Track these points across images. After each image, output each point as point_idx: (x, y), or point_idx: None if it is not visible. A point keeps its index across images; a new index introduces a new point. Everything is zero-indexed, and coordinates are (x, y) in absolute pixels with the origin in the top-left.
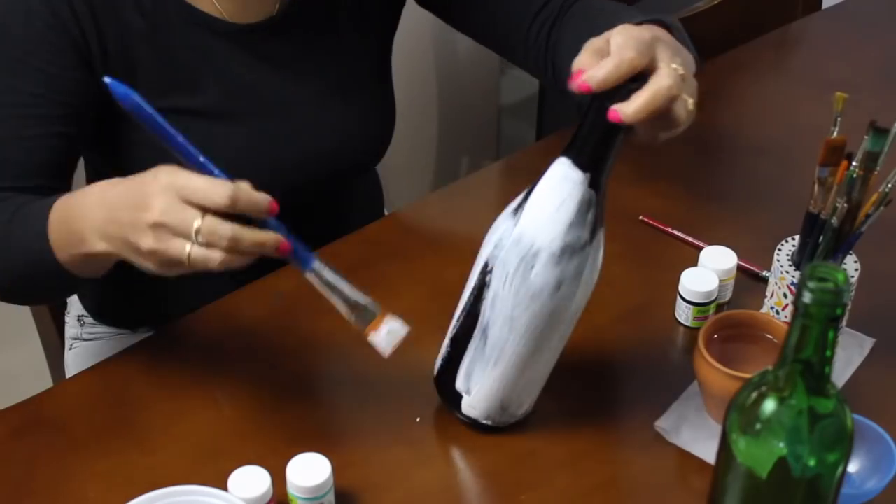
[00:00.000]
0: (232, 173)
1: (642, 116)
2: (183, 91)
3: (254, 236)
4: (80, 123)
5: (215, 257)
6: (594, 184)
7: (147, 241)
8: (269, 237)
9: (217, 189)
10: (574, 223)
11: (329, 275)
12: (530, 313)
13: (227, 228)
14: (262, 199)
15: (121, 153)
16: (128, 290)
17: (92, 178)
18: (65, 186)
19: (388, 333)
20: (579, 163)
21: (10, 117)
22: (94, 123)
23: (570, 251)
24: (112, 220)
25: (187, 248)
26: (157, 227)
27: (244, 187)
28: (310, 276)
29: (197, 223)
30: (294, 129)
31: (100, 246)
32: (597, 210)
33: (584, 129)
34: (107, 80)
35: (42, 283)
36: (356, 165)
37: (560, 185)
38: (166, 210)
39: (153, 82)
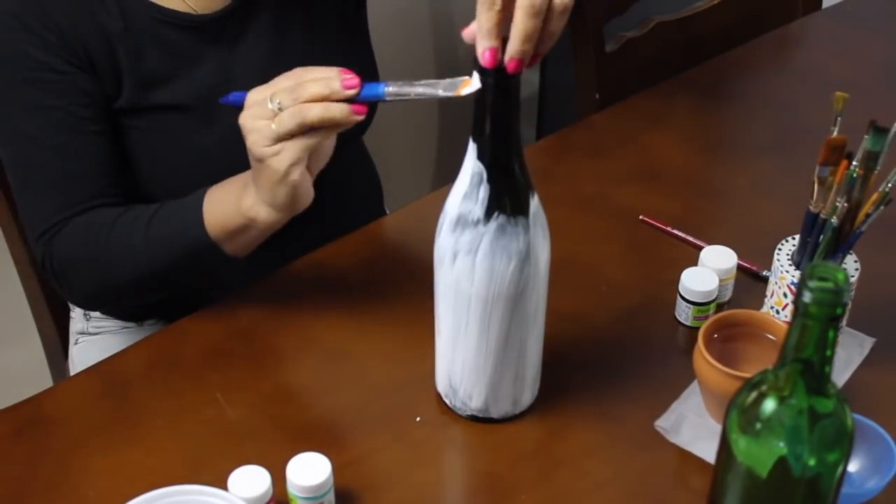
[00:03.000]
0: (215, 164)
1: (527, 45)
2: (160, 88)
3: (317, 74)
4: (108, 119)
5: (297, 115)
6: (481, 155)
7: (247, 142)
8: (334, 84)
9: (284, 75)
10: (467, 195)
11: (400, 88)
12: (441, 283)
13: (294, 86)
14: (331, 69)
15: (125, 148)
16: None
17: None
18: (124, 184)
19: (473, 84)
20: (473, 134)
21: (52, 135)
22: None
23: (463, 223)
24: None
25: (271, 105)
26: (244, 120)
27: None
28: (389, 99)
29: (270, 101)
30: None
31: (254, 202)
32: (491, 188)
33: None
34: (221, 100)
35: (193, 271)
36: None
37: (468, 157)
38: (248, 106)
39: (134, 82)
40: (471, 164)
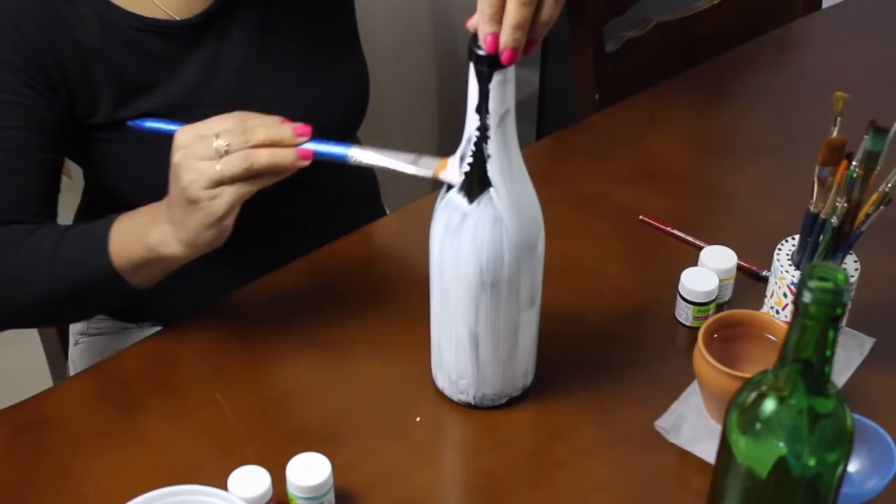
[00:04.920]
0: None
1: (518, 34)
2: (142, 97)
3: (262, 119)
4: (58, 148)
5: (246, 159)
6: (477, 141)
7: (180, 180)
8: (284, 129)
9: (225, 116)
10: (463, 174)
11: (368, 156)
12: (431, 263)
13: (242, 129)
14: (273, 117)
15: (100, 166)
16: None
17: (89, 191)
18: (54, 213)
19: (453, 170)
20: (468, 115)
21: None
22: (70, 142)
23: (448, 204)
24: (168, 203)
25: (216, 166)
26: (182, 159)
27: (253, 113)
28: (353, 163)
29: (216, 140)
30: (260, 110)
31: (168, 238)
32: (473, 165)
33: None
34: (129, 124)
35: (94, 298)
36: (333, 130)
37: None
38: (184, 145)
39: (112, 95)
40: (461, 149)
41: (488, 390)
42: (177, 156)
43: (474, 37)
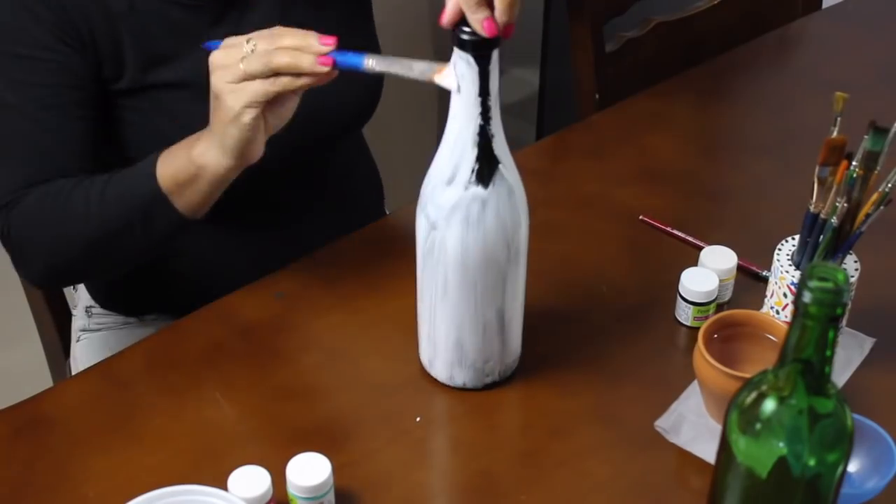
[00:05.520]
0: None
1: (514, 8)
2: (163, 67)
3: (294, 37)
4: (96, 106)
5: (266, 56)
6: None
7: (211, 77)
8: (310, 37)
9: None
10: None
11: (381, 65)
12: (418, 250)
13: (271, 34)
14: (305, 32)
15: (120, 136)
16: (135, 275)
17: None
18: (99, 168)
19: (448, 75)
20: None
21: (34, 112)
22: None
23: (466, 200)
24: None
25: (246, 48)
26: (214, 58)
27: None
28: (367, 69)
29: (246, 44)
30: None
31: (204, 145)
32: (482, 149)
33: None
34: (204, 45)
35: (143, 229)
36: (343, 126)
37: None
38: (221, 47)
39: (136, 60)
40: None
41: (509, 359)
42: (213, 55)
43: (459, 28)
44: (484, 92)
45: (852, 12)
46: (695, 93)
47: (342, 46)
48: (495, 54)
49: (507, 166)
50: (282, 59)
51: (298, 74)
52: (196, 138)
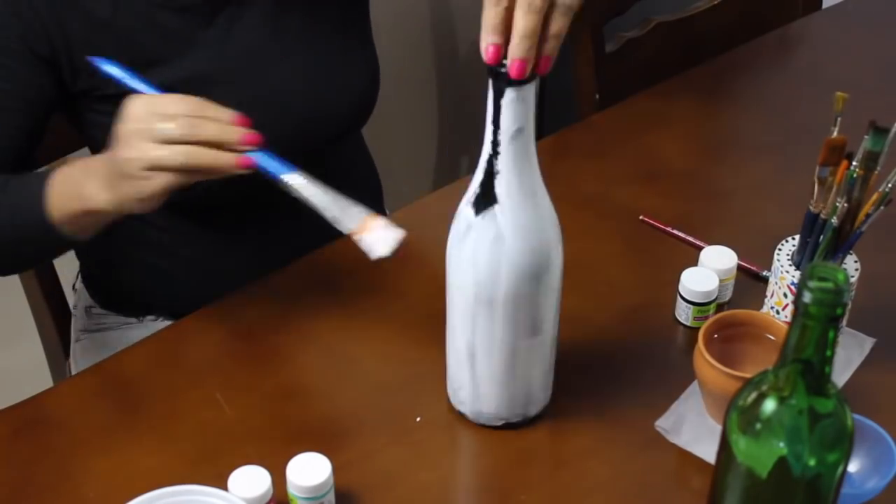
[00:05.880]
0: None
1: (527, 43)
2: (151, 72)
3: (216, 113)
4: (38, 118)
5: (187, 155)
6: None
7: (121, 152)
8: (233, 132)
9: (183, 99)
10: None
11: (302, 187)
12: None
13: (193, 121)
14: (230, 113)
15: (91, 135)
16: (135, 275)
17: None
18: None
19: (379, 236)
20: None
21: None
22: (55, 111)
23: (461, 216)
24: (106, 164)
25: (158, 152)
26: (127, 133)
27: (212, 104)
28: (283, 187)
29: (165, 124)
30: (270, 93)
31: (98, 195)
32: (484, 178)
33: None
34: (88, 59)
35: (29, 246)
36: (337, 128)
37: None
38: (135, 119)
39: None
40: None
41: (484, 409)
42: (125, 127)
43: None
44: (495, 122)
45: (852, 12)
46: (695, 93)
47: (338, 47)
48: (511, 94)
49: (506, 214)
50: (203, 161)
51: (216, 166)
52: (87, 173)
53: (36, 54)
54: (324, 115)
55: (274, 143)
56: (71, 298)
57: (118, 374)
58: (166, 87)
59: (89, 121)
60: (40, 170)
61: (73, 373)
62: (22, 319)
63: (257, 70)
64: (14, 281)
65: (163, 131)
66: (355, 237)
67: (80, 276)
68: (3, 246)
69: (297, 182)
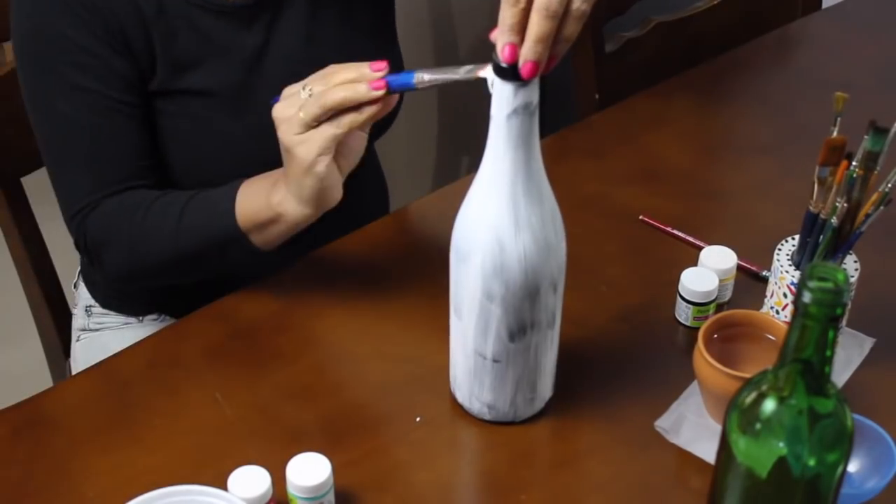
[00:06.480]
0: (243, 153)
1: (540, 47)
2: (190, 73)
3: (347, 71)
4: (144, 105)
5: (320, 98)
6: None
7: (277, 131)
8: (361, 67)
9: (308, 80)
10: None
11: (430, 76)
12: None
13: (324, 74)
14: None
15: (156, 126)
16: None
17: None
18: (161, 168)
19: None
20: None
21: (87, 117)
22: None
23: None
24: (285, 169)
25: (303, 94)
26: (276, 111)
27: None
28: (420, 86)
29: (303, 91)
30: None
31: (285, 200)
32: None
33: None
34: (272, 101)
35: (218, 256)
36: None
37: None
38: (282, 98)
39: (165, 64)
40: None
41: (486, 406)
42: (275, 109)
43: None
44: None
45: (852, 12)
46: (695, 93)
47: (371, 54)
48: (510, 88)
49: (516, 208)
50: (336, 96)
51: (359, 108)
52: (274, 181)
53: (112, 47)
54: None
55: None
56: (71, 298)
57: (118, 374)
58: (205, 89)
59: (157, 121)
60: (222, 187)
61: (73, 373)
62: (22, 319)
63: (293, 75)
64: (14, 281)
65: (302, 96)
66: (480, 74)
67: (80, 276)
68: (194, 256)
69: (426, 77)
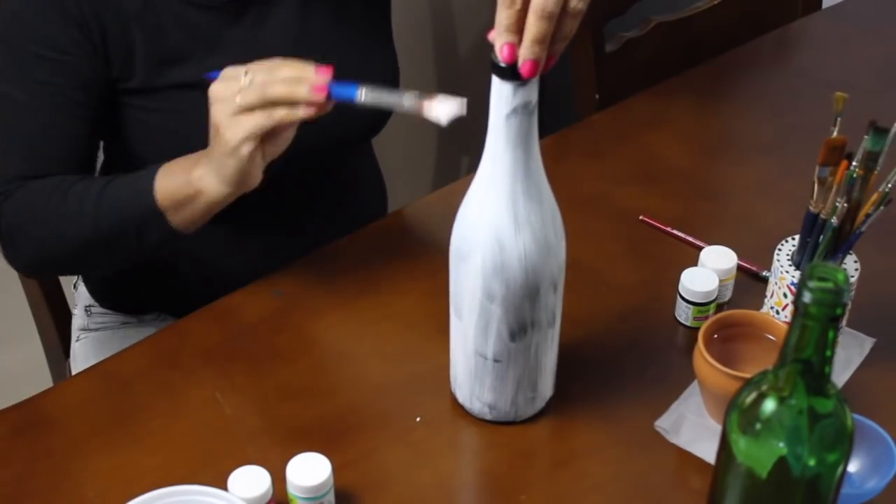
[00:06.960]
0: None
1: (538, 47)
2: (176, 67)
3: (292, 68)
4: (99, 108)
5: (262, 88)
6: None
7: (210, 108)
8: (307, 68)
9: (252, 67)
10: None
11: (373, 95)
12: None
13: (269, 66)
14: (300, 68)
15: (129, 134)
16: (136, 274)
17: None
18: (92, 170)
19: (441, 103)
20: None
21: (40, 109)
22: (107, 106)
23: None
24: (210, 148)
25: (244, 80)
26: (213, 90)
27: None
28: (360, 102)
29: (244, 76)
30: None
31: (206, 176)
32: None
33: None
34: (204, 76)
35: (136, 237)
36: (359, 130)
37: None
38: (220, 79)
39: (148, 61)
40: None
41: (486, 406)
42: (212, 87)
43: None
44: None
45: (852, 12)
46: (695, 93)
47: (363, 52)
48: (508, 88)
49: (516, 207)
50: (277, 90)
51: (294, 105)
52: (196, 160)
53: (81, 47)
54: (346, 118)
55: (296, 146)
56: (71, 298)
57: (118, 374)
58: (190, 83)
59: (127, 117)
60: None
61: (73, 373)
62: (22, 319)
63: None
64: (14, 281)
65: (242, 81)
66: (424, 111)
67: (80, 275)
68: (112, 237)
69: (368, 95)
